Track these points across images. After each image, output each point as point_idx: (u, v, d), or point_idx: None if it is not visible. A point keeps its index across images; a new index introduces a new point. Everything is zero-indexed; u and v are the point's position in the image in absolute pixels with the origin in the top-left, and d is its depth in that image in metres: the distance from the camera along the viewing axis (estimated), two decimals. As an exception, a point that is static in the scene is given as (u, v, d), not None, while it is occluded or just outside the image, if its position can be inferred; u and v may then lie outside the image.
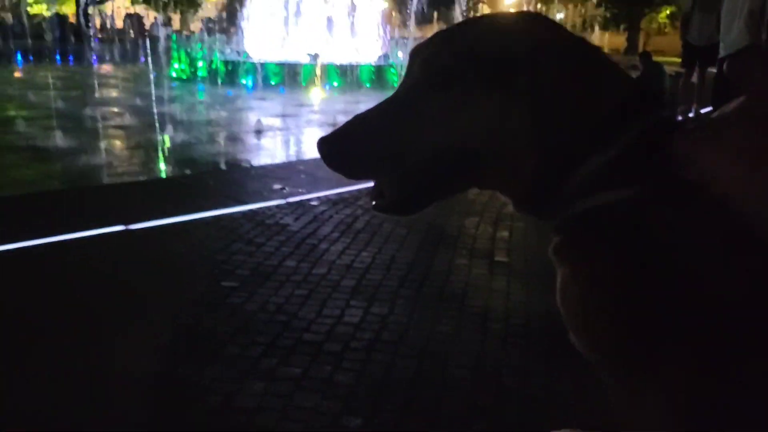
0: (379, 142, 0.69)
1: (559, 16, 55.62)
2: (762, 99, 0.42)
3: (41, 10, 40.88)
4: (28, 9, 41.23)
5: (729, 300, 0.55)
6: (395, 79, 16.91)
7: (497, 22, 0.74)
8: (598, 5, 43.66)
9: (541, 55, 0.67)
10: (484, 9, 50.70)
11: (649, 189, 0.60)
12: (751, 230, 0.45)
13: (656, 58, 12.33)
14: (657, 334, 0.62)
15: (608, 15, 43.99)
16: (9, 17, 46.83)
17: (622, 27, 44.79)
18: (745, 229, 0.45)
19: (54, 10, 41.10)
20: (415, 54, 0.75)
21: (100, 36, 47.15)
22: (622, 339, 0.65)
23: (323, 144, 0.69)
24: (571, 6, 46.72)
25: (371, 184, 0.84)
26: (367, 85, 16.21)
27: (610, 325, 0.65)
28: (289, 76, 16.02)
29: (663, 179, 0.58)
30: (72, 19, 42.08)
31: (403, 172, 0.70)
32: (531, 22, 0.74)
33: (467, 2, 49.09)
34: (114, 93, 14.43)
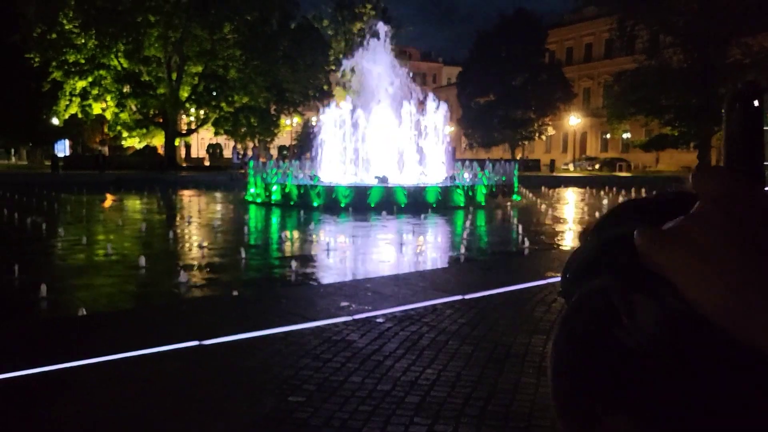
0: None
1: (626, 135, 56.25)
2: (712, 206, 0.52)
3: (133, 142, 44.53)
4: (123, 142, 45.08)
5: (681, 369, 0.64)
6: (462, 199, 17.29)
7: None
8: (666, 124, 43.83)
9: None
10: (549, 130, 51.84)
11: (618, 277, 0.72)
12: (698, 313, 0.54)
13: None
14: (611, 396, 0.70)
15: (676, 133, 44.05)
16: (105, 150, 51.20)
17: (692, 144, 44.65)
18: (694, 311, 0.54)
19: (145, 143, 44.75)
20: None
21: (184, 164, 51.09)
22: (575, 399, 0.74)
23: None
24: (637, 125, 47.20)
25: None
26: (434, 206, 16.58)
27: (569, 386, 0.75)
28: (358, 198, 16.64)
29: (632, 270, 0.70)
30: (160, 151, 45.61)
31: None
32: None
33: (535, 124, 50.67)
34: (194, 217, 15.31)
